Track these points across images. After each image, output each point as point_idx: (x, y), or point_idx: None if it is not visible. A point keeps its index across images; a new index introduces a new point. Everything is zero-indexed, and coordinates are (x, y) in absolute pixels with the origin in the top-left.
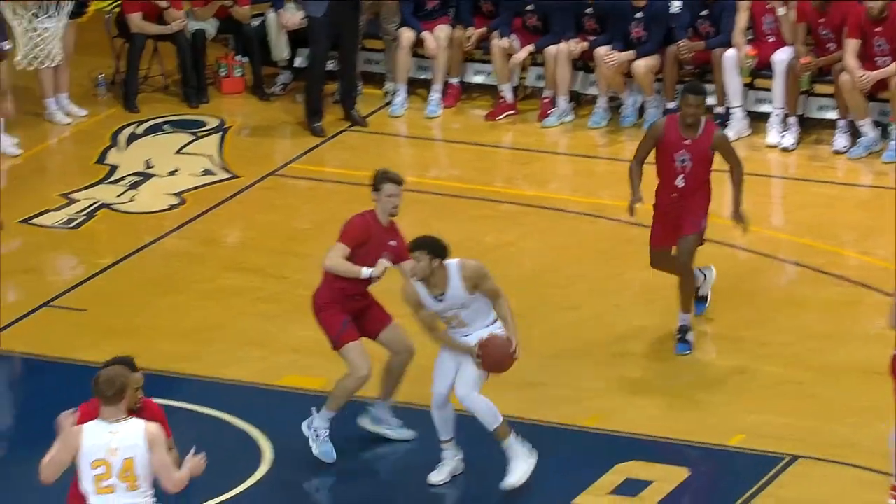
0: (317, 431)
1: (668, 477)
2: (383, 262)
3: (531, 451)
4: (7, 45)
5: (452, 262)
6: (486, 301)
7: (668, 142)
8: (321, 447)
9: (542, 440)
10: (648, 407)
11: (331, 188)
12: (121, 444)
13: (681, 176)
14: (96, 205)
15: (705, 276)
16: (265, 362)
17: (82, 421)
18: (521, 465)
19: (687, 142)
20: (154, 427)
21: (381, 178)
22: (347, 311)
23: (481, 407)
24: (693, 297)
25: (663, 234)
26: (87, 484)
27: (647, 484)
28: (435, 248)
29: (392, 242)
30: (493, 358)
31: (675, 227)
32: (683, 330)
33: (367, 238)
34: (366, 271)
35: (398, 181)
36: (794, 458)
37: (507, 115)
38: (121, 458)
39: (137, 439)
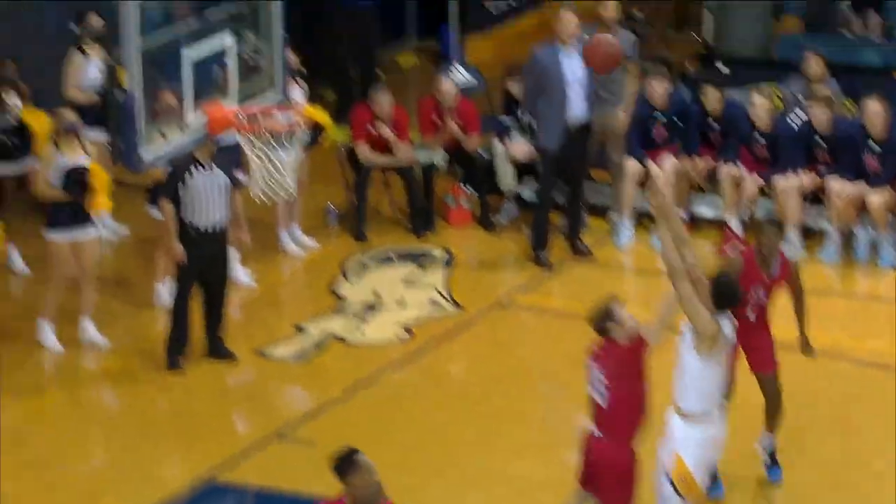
0: None
1: None
2: None
3: None
4: (243, 177)
5: None
6: None
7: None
8: None
9: None
10: None
11: (557, 320)
12: None
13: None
14: (327, 336)
15: None
16: (489, 501)
17: None
18: None
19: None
20: None
21: None
22: None
23: None
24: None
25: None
26: None
27: None
28: None
29: None
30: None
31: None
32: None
33: None
34: None
35: None
36: None
37: (734, 248)
38: None
39: None
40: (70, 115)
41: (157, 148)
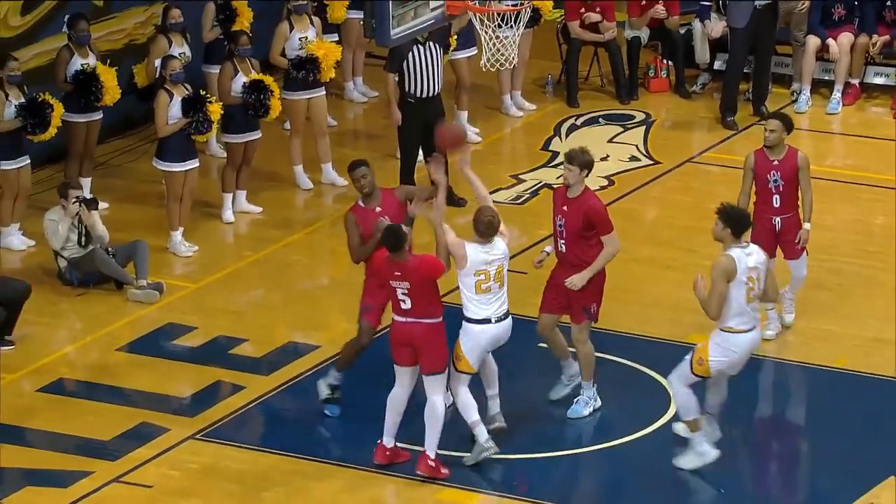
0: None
1: None
2: None
3: (709, 453)
4: (473, 51)
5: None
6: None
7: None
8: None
9: None
10: None
11: (740, 174)
12: None
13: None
14: (539, 185)
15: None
16: (673, 322)
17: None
18: (690, 459)
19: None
20: None
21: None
22: None
23: (681, 398)
24: None
25: None
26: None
27: None
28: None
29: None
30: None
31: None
32: None
33: None
34: None
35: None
36: None
37: None
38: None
39: None
40: None
41: (403, 25)
